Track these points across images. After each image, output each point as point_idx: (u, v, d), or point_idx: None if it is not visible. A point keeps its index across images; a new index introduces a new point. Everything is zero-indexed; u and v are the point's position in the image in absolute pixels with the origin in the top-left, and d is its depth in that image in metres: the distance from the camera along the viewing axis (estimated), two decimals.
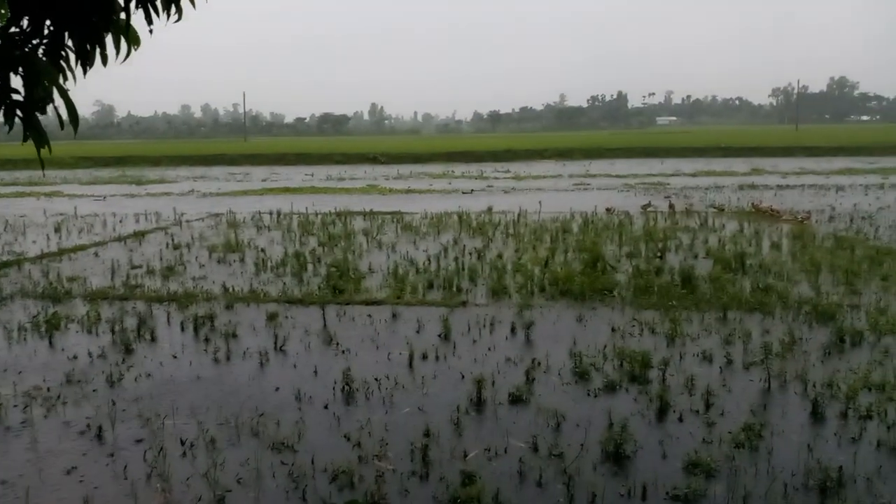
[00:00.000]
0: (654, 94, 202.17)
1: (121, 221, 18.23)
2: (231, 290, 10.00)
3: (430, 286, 9.94)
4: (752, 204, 18.66)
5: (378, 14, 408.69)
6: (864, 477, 4.56)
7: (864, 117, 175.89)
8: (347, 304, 9.19)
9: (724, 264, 10.74)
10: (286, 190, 27.95)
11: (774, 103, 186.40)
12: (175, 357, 7.26)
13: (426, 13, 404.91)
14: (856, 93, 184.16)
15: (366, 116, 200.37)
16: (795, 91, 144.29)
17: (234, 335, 7.91)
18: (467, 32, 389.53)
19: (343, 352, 7.31)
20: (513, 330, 7.87)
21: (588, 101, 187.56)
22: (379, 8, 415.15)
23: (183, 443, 5.23)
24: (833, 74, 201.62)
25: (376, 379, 6.44)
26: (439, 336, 7.71)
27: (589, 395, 6.05)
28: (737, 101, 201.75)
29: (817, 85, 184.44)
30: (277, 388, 6.33)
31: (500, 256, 11.93)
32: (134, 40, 2.97)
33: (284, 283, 10.41)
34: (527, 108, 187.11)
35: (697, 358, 6.86)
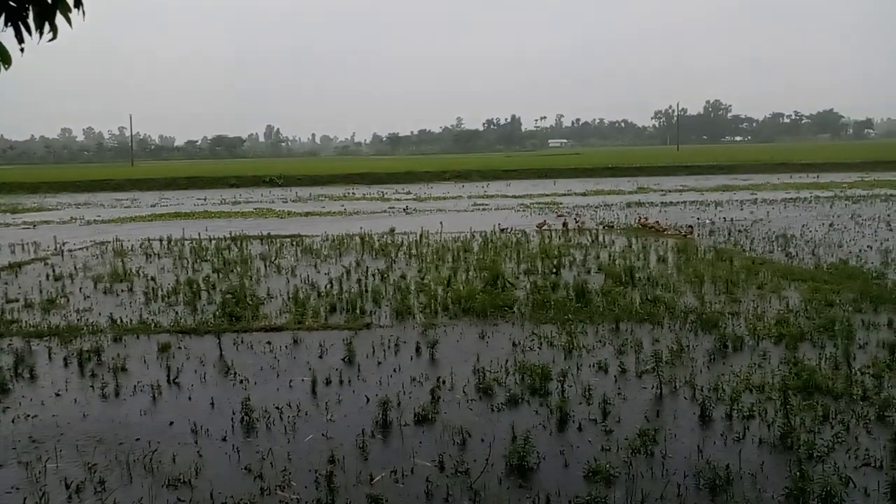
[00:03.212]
0: (545, 117, 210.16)
1: None
2: (119, 321, 9.48)
3: (333, 310, 9.81)
4: (639, 220, 19.63)
5: (271, 34, 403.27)
6: (750, 473, 4.85)
7: (738, 137, 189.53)
8: (245, 331, 8.92)
9: (614, 278, 11.21)
10: (177, 215, 26.88)
11: (657, 125, 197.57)
12: (58, 395, 6.79)
13: (321, 33, 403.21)
14: (729, 115, 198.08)
15: (261, 139, 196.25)
16: (676, 114, 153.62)
17: (124, 369, 7.50)
18: (364, 54, 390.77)
19: (242, 381, 7.07)
20: (417, 350, 7.88)
21: (484, 124, 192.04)
22: (272, 28, 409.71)
23: (68, 486, 4.88)
24: (709, 98, 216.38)
25: (277, 407, 6.27)
26: (343, 360, 7.60)
27: (493, 409, 6.13)
28: (622, 124, 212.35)
29: (695, 108, 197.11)
30: (172, 423, 6.04)
31: (403, 277, 11.95)
32: (4, 59, 2.81)
33: (177, 313, 9.98)
34: (425, 131, 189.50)
35: (593, 368, 7.10)
